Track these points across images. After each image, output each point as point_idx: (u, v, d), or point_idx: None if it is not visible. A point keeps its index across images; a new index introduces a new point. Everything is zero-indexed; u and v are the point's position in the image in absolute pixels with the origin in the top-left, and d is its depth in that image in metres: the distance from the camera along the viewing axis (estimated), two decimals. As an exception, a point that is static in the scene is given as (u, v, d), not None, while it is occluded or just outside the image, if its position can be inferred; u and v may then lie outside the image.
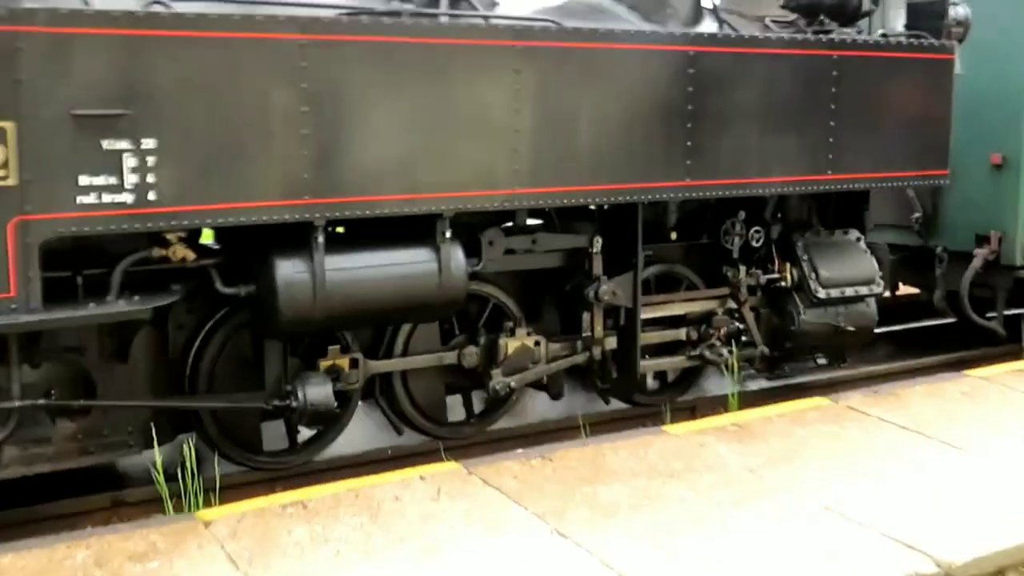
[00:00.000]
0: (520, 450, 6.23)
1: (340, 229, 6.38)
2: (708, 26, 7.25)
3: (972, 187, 8.97)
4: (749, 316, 7.70)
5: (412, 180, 5.87)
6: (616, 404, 7.75)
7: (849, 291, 7.80)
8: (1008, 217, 8.95)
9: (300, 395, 6.01)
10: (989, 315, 9.48)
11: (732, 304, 7.65)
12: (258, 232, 5.71)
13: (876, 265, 7.94)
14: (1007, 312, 9.31)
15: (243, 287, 5.87)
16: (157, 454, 5.77)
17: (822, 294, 7.68)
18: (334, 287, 5.78)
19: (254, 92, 5.42)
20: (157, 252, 5.61)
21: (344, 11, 5.80)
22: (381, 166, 5.77)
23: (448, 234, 6.08)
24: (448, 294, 6.15)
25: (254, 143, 5.43)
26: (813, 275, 7.68)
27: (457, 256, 6.17)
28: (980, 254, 9.00)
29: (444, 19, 6.09)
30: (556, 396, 7.42)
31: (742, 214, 7.51)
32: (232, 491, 6.14)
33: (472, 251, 6.45)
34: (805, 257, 7.72)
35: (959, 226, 9.19)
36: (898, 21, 8.33)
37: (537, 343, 6.90)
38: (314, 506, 5.31)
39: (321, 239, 5.72)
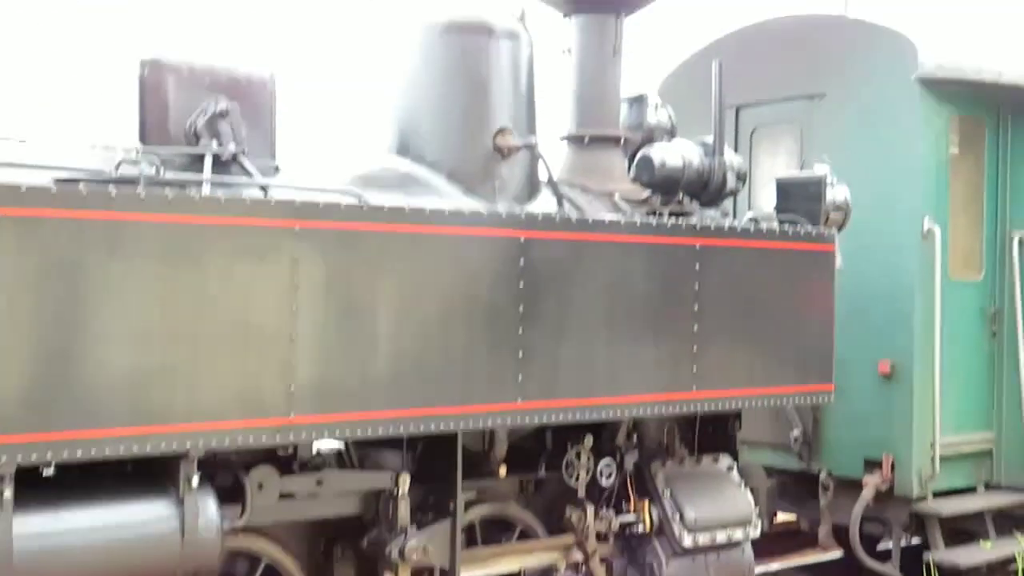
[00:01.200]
0: None
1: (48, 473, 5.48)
2: (545, 204, 6.83)
3: (858, 400, 8.60)
4: (599, 570, 7.07)
5: (146, 407, 5.15)
6: None
7: (721, 536, 7.31)
8: (901, 437, 8.54)
9: None
10: (882, 548, 9.12)
11: (578, 555, 7.04)
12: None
13: (752, 500, 7.53)
14: (905, 545, 8.88)
15: None
16: None
17: (688, 541, 7.18)
18: (26, 562, 4.94)
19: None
20: None
21: (61, 178, 5.15)
22: (101, 387, 5.05)
23: (196, 480, 5.35)
24: (195, 561, 5.38)
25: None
26: (677, 516, 7.20)
27: (207, 510, 5.41)
28: (871, 482, 8.55)
29: (205, 189, 5.52)
30: None
31: (589, 440, 6.96)
32: None
33: (234, 495, 5.72)
34: (667, 493, 7.25)
35: (845, 447, 8.82)
36: (768, 202, 7.97)
37: (324, 619, 6.18)
38: None
39: (8, 493, 4.91)
